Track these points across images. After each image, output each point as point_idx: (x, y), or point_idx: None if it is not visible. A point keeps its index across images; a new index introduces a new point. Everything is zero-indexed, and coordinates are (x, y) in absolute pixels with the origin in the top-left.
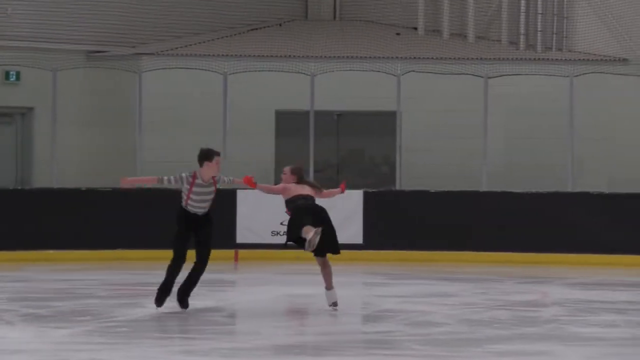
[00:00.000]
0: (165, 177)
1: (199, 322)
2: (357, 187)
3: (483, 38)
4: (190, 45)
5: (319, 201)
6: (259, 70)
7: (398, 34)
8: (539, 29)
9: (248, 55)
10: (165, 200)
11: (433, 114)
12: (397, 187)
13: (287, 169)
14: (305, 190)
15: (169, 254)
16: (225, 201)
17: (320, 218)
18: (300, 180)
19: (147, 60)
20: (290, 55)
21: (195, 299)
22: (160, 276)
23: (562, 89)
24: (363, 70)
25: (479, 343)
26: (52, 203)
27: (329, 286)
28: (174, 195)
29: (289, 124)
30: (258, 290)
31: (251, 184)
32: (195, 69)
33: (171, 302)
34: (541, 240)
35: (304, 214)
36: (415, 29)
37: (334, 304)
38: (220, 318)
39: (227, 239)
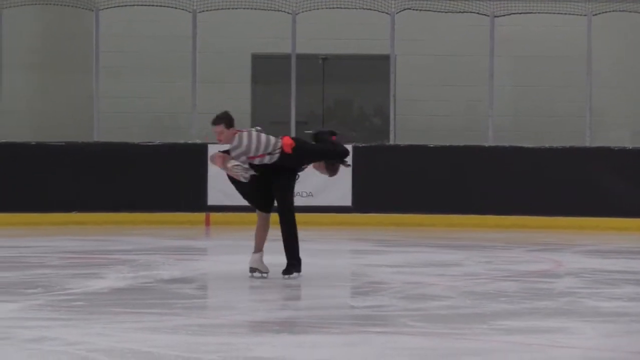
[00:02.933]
0: None
1: (165, 295)
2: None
3: None
4: None
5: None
6: (233, 8)
7: None
8: None
9: None
10: (128, 158)
11: (432, 58)
12: (391, 142)
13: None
14: None
15: (129, 217)
16: (195, 158)
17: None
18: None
19: None
20: None
21: (161, 269)
22: (121, 242)
23: (579, 30)
24: (352, 8)
25: (484, 319)
26: None
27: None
28: (138, 152)
29: (267, 70)
30: (232, 259)
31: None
32: (160, 5)
33: (142, 272)
34: (554, 202)
35: None
36: None
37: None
38: (190, 291)
39: (197, 201)
